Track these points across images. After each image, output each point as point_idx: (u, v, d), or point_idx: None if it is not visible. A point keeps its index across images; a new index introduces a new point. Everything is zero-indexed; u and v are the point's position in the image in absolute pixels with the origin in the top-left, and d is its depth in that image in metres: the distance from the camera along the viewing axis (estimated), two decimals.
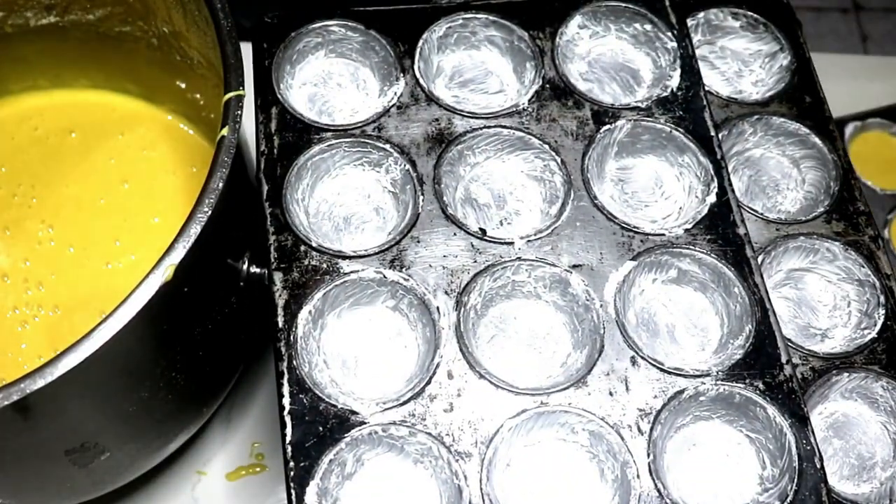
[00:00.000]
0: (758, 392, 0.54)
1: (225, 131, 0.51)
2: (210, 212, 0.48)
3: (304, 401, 0.52)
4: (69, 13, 0.68)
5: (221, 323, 0.56)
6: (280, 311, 0.55)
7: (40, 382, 0.43)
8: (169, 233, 0.47)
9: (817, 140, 0.66)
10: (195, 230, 0.47)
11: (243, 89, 0.53)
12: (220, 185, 0.49)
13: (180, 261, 0.46)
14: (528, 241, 0.58)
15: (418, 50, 0.64)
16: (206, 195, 0.48)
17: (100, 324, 0.44)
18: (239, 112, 0.52)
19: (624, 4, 0.67)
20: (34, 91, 0.75)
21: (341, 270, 0.56)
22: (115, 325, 0.44)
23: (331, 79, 0.66)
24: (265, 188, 0.58)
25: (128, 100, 0.74)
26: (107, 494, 0.60)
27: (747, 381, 0.55)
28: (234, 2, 0.56)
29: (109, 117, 0.74)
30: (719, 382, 0.55)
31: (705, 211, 0.60)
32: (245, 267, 0.58)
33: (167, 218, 0.69)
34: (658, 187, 0.63)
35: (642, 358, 0.55)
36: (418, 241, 0.58)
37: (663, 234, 0.59)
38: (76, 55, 0.72)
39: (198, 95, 0.70)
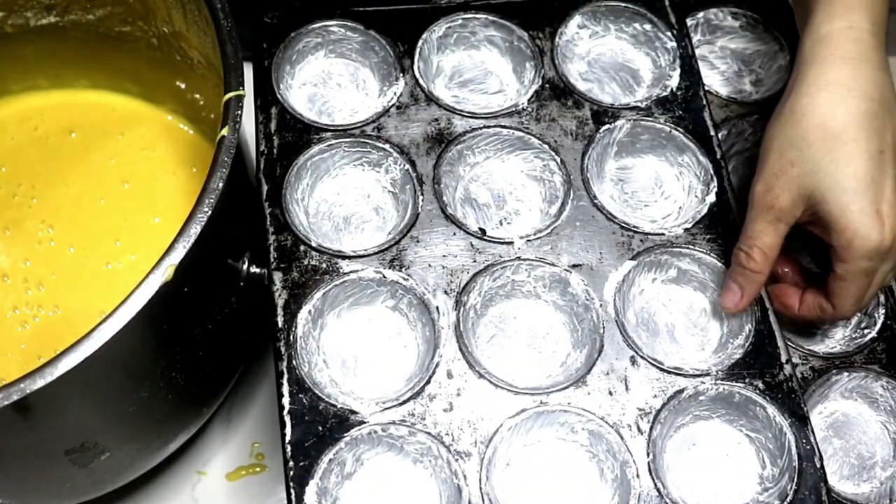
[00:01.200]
0: (757, 391, 0.54)
1: (225, 131, 0.51)
2: (210, 212, 0.48)
3: (304, 400, 0.52)
4: (69, 13, 0.68)
5: (221, 323, 0.56)
6: (280, 311, 0.55)
7: (40, 382, 0.43)
8: (169, 233, 0.47)
9: None
10: (195, 230, 0.47)
11: (243, 89, 0.52)
12: (220, 185, 0.49)
13: (180, 261, 0.46)
14: (528, 240, 0.58)
15: (418, 50, 0.64)
16: (206, 195, 0.48)
17: (100, 324, 0.44)
18: (239, 112, 0.52)
19: (623, 4, 0.67)
20: (34, 91, 0.75)
21: (341, 270, 0.56)
22: (115, 325, 0.44)
23: (331, 79, 0.66)
24: (265, 188, 0.58)
25: (128, 100, 0.74)
26: (107, 494, 0.60)
27: (747, 380, 0.55)
28: (234, 7, 0.56)
29: (109, 117, 0.74)
30: (719, 382, 0.55)
31: (705, 210, 0.60)
32: (245, 267, 0.58)
33: (167, 218, 0.69)
34: (658, 187, 0.63)
35: (642, 357, 0.55)
36: (418, 241, 0.58)
37: (663, 234, 0.59)
38: (76, 55, 0.72)
39: (198, 95, 0.70)
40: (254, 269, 0.58)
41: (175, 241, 0.47)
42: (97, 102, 0.75)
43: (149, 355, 0.51)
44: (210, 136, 0.71)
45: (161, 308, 0.46)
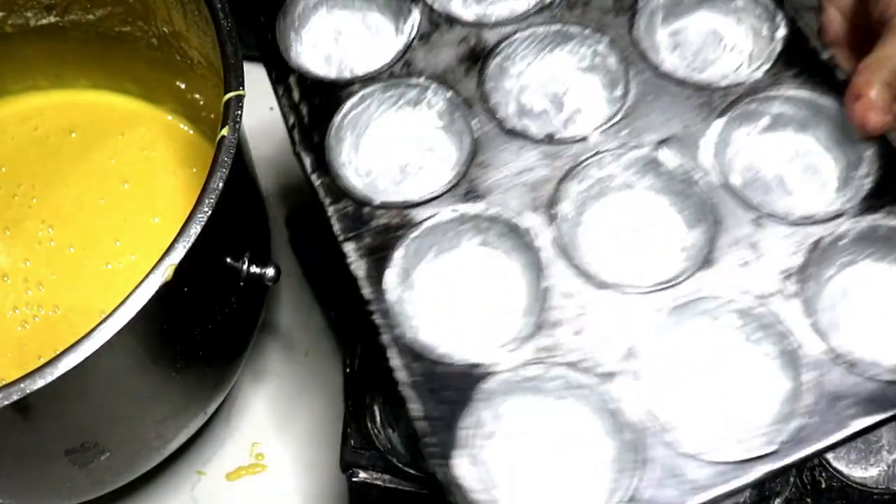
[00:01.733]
0: None
1: (225, 131, 0.51)
2: (210, 212, 0.48)
3: (419, 369, 0.46)
4: (69, 13, 0.68)
5: (221, 323, 0.56)
6: (364, 283, 0.49)
7: (40, 382, 0.43)
8: (169, 233, 0.47)
9: None
10: (195, 230, 0.47)
11: (243, 89, 0.52)
12: (220, 185, 0.49)
13: (180, 261, 0.46)
14: (603, 131, 0.53)
15: None
16: (206, 195, 0.48)
17: (100, 324, 0.44)
18: (239, 112, 0.52)
19: None
20: (34, 91, 0.75)
21: (414, 221, 0.51)
22: (115, 325, 0.44)
23: (341, 34, 0.61)
24: (307, 160, 0.53)
25: (128, 100, 0.74)
26: (107, 494, 0.60)
27: (886, 208, 0.49)
28: (234, 7, 0.56)
29: (109, 117, 0.74)
30: (856, 218, 0.49)
31: (780, 47, 0.55)
32: (245, 267, 0.58)
33: (167, 218, 0.69)
34: (719, 42, 0.58)
35: (766, 216, 0.50)
36: (486, 166, 0.52)
37: (743, 83, 0.54)
38: (76, 55, 0.72)
39: (198, 95, 0.70)
40: (254, 269, 0.58)
41: (175, 241, 0.47)
42: (97, 102, 0.75)
43: (148, 355, 0.51)
44: (210, 136, 0.71)
45: (161, 308, 0.46)
